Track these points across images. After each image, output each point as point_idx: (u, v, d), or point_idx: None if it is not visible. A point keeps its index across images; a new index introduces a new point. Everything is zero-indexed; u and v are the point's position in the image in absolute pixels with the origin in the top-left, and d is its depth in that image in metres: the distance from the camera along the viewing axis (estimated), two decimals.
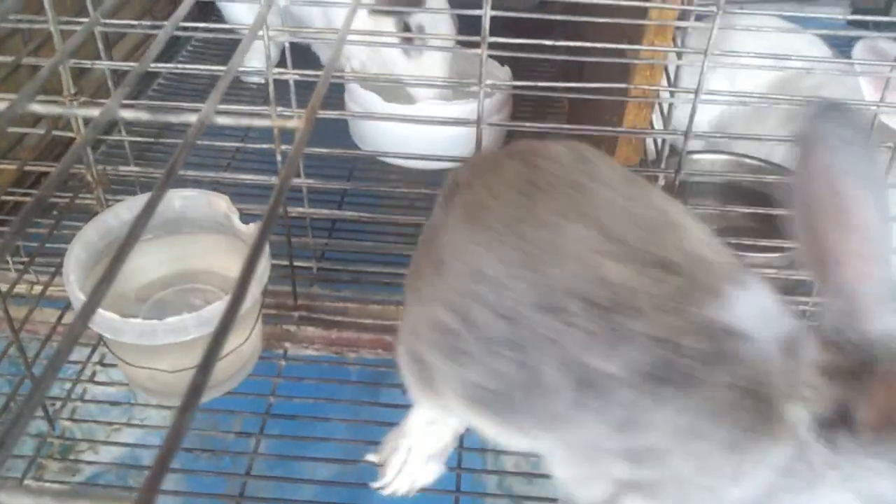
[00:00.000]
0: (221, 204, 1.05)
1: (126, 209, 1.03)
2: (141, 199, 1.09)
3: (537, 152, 0.79)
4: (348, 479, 0.98)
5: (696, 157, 1.34)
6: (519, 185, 0.76)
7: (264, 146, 1.06)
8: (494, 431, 0.80)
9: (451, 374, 0.76)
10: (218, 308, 0.93)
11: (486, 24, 0.91)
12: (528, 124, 1.07)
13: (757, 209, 1.09)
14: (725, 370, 0.65)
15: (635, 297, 0.67)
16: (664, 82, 1.06)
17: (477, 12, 0.92)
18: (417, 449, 0.94)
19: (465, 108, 1.38)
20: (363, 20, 1.38)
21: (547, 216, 0.72)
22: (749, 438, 0.64)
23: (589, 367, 0.67)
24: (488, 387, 0.73)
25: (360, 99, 1.50)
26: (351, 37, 1.26)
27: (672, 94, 1.02)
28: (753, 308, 0.68)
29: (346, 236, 1.29)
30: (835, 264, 0.59)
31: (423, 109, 1.44)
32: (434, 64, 1.43)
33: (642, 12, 1.00)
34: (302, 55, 1.34)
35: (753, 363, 0.64)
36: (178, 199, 1.06)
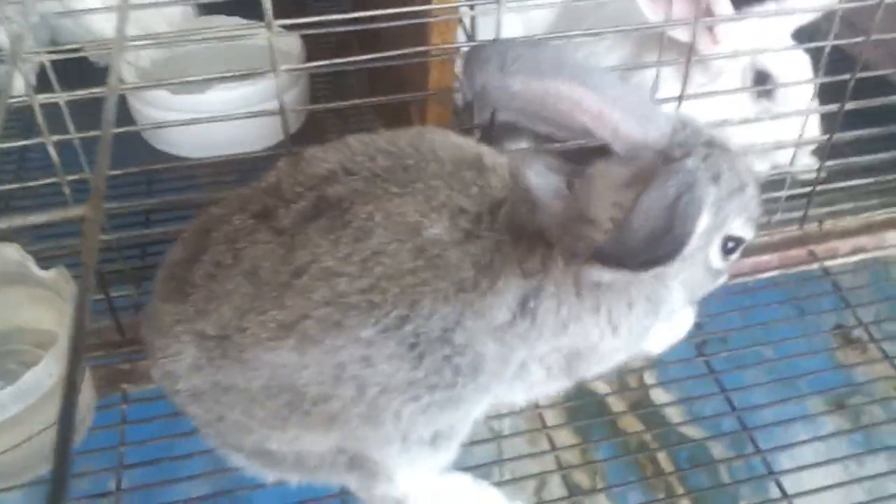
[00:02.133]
0: (12, 253, 0.93)
1: None
2: None
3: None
4: None
5: None
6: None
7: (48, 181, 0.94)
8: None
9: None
10: (35, 376, 0.83)
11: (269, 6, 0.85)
12: (328, 105, 1.02)
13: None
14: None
15: None
16: (462, 36, 1.03)
17: None
18: None
19: (255, 90, 1.33)
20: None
21: None
22: None
23: None
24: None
25: (148, 96, 1.39)
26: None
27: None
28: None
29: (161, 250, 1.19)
30: (595, 132, 0.73)
31: (215, 96, 1.35)
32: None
33: None
34: (75, 71, 1.17)
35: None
36: None
